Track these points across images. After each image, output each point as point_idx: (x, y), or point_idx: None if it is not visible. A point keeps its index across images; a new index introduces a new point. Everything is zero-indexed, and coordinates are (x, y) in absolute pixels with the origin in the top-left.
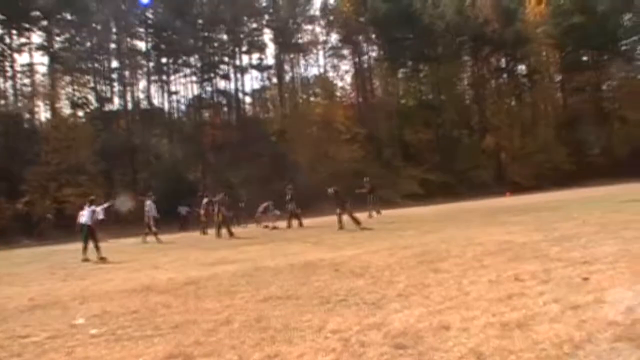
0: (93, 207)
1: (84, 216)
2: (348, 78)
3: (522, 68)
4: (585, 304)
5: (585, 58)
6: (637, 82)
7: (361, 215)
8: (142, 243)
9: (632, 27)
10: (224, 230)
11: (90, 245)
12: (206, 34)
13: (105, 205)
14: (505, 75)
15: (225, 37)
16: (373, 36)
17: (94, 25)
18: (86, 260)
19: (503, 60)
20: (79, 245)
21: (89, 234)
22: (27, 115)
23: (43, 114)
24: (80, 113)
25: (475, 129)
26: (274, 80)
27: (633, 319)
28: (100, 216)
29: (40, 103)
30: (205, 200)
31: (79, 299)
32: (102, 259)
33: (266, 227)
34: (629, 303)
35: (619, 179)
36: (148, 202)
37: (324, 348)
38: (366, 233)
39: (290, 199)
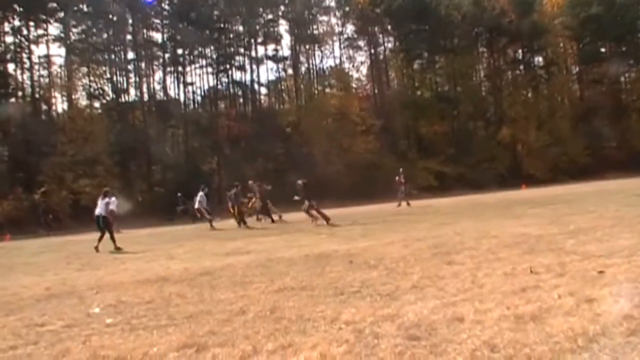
0: (107, 199)
1: (98, 207)
2: (364, 69)
3: (538, 60)
4: (601, 298)
5: (603, 50)
6: None
7: (391, 205)
8: (210, 229)
9: None
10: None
11: (106, 235)
12: (222, 25)
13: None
14: (521, 67)
15: (240, 28)
16: (389, 27)
17: (110, 16)
18: (96, 249)
19: (520, 51)
20: (94, 236)
21: (104, 224)
22: (44, 107)
23: (60, 105)
24: (97, 104)
25: (491, 121)
26: (290, 71)
27: None
28: (112, 206)
29: (57, 94)
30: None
31: (94, 289)
32: (118, 249)
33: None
34: None
35: (635, 171)
36: (200, 194)
37: (337, 339)
38: (379, 225)
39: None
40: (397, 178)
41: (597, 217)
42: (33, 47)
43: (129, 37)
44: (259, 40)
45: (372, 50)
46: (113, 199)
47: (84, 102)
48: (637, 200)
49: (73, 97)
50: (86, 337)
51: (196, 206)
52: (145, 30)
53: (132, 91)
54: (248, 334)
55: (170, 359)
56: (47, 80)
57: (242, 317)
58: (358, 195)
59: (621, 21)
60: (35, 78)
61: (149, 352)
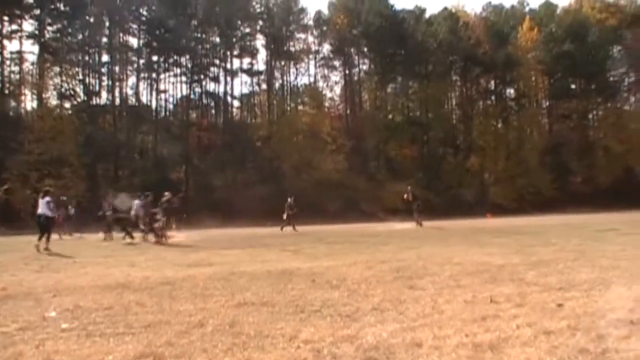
0: (47, 198)
1: (40, 207)
2: (337, 89)
3: (510, 91)
4: (558, 330)
5: (573, 86)
6: (622, 114)
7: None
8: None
9: (620, 59)
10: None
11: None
12: (199, 35)
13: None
14: (493, 97)
15: (217, 39)
16: (365, 49)
17: (87, 17)
18: (46, 249)
19: (492, 82)
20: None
21: (46, 223)
22: (12, 103)
23: (29, 103)
24: (67, 105)
25: (460, 148)
26: (264, 86)
27: (604, 348)
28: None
29: (27, 92)
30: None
31: (52, 292)
32: (47, 250)
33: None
34: (600, 331)
35: (600, 207)
36: (136, 202)
37: (295, 357)
38: (344, 245)
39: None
40: (405, 196)
41: (559, 250)
42: (6, 42)
43: (104, 39)
44: (235, 52)
45: (347, 71)
46: (48, 198)
47: (54, 101)
48: (599, 236)
49: (43, 95)
50: (40, 341)
51: (132, 213)
52: (121, 34)
53: (104, 94)
54: (206, 347)
55: None
56: (17, 76)
57: (201, 330)
58: (324, 214)
59: (592, 59)
60: (6, 74)
61: (103, 359)
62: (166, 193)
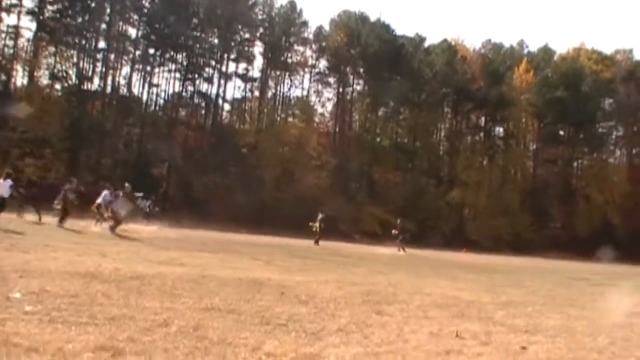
0: (9, 181)
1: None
2: (329, 106)
3: (499, 130)
4: None
5: (562, 132)
6: (606, 166)
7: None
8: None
9: (610, 113)
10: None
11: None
12: (198, 34)
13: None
14: (482, 134)
15: (216, 41)
16: (361, 70)
17: (88, 1)
18: None
19: (482, 118)
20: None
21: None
22: (3, 77)
23: (20, 79)
24: (58, 86)
25: (443, 180)
26: (256, 93)
27: None
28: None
29: (19, 68)
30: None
31: (19, 272)
32: None
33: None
34: None
35: (576, 255)
36: (105, 192)
37: None
38: (317, 262)
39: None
40: (393, 231)
41: (530, 293)
42: (4, 15)
43: (103, 25)
44: (232, 56)
45: (341, 89)
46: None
47: (45, 81)
48: (571, 283)
49: (35, 74)
50: (0, 321)
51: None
52: (121, 23)
53: (96, 81)
54: (167, 348)
55: (84, 359)
56: (11, 51)
57: (165, 329)
58: (300, 228)
59: (583, 109)
60: (0, 46)
61: (63, 347)
62: (126, 184)
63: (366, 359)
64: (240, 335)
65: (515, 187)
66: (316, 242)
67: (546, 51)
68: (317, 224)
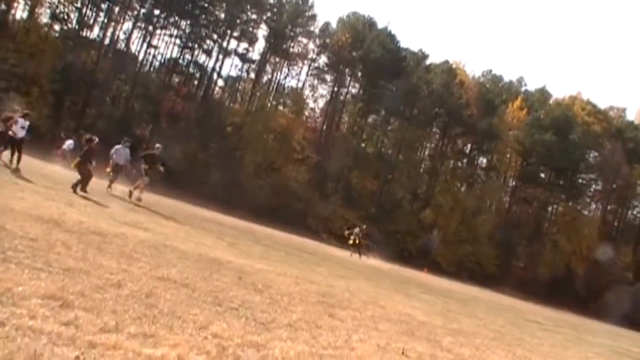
0: (24, 121)
1: None
2: (321, 103)
3: (483, 160)
4: None
5: (542, 175)
6: (579, 216)
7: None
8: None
9: (593, 166)
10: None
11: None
12: (206, 4)
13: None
14: (465, 160)
15: (222, 15)
16: (359, 74)
17: None
18: None
19: (469, 146)
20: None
21: None
22: (3, 7)
23: (20, 12)
24: (57, 27)
25: (419, 198)
26: (252, 75)
27: None
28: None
29: (21, 0)
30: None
31: None
32: None
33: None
34: None
35: (533, 297)
36: (118, 147)
37: (199, 347)
38: (280, 253)
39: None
40: (352, 238)
41: (481, 325)
42: None
43: None
44: (235, 34)
45: (335, 88)
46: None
47: (45, 19)
48: (522, 324)
49: (36, 10)
50: None
51: (122, 162)
52: None
53: (96, 30)
54: (116, 309)
55: (31, 304)
56: None
57: (117, 291)
58: (271, 217)
59: (568, 156)
60: None
61: (13, 289)
62: (158, 145)
63: (310, 358)
64: (191, 311)
65: (488, 218)
66: (360, 254)
67: (543, 93)
68: (355, 237)
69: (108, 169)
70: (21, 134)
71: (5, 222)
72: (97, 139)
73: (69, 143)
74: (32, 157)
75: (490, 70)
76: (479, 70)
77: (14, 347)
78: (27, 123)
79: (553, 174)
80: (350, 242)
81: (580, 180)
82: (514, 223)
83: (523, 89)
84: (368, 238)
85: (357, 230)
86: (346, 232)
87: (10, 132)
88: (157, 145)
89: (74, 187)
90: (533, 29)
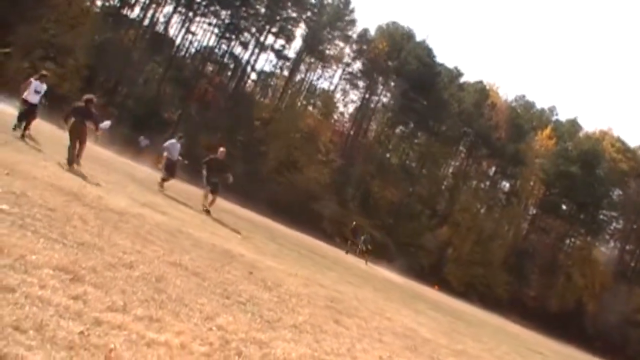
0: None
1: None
2: (350, 108)
3: (505, 184)
4: None
5: (564, 207)
6: (595, 253)
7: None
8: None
9: (616, 204)
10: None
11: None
12: None
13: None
14: (487, 182)
15: (263, 10)
16: (392, 84)
17: None
18: None
19: (493, 168)
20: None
21: None
22: None
23: None
24: (99, 2)
25: (437, 214)
26: (285, 72)
27: None
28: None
29: None
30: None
31: (7, 169)
32: None
33: None
34: None
35: (540, 327)
36: (171, 141)
37: (203, 337)
38: (293, 253)
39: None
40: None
41: (486, 349)
42: None
43: None
44: (273, 29)
45: (367, 95)
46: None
47: None
48: (526, 353)
49: None
50: None
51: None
52: None
53: (136, 10)
54: (125, 289)
55: (43, 274)
56: None
57: (128, 271)
58: (287, 215)
59: (592, 191)
60: None
61: (26, 256)
62: (221, 149)
63: None
64: (198, 300)
65: (504, 243)
66: (366, 261)
67: (573, 124)
68: (362, 246)
69: (160, 165)
70: (34, 99)
71: (26, 189)
72: (95, 99)
73: (106, 123)
74: (57, 126)
75: (524, 96)
76: (512, 94)
77: (21, 314)
78: (43, 86)
79: (575, 206)
80: (356, 246)
81: (601, 217)
82: (529, 251)
83: (554, 118)
84: (358, 235)
85: (364, 237)
86: (351, 230)
87: (23, 97)
88: (221, 149)
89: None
90: (570, 60)
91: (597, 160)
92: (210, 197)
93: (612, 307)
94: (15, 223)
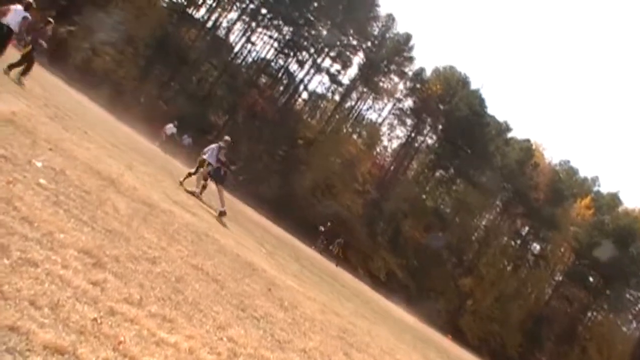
0: (22, 11)
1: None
2: (394, 143)
3: (536, 246)
4: None
5: (591, 279)
6: (616, 331)
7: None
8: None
9: None
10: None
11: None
12: (312, 18)
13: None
14: (518, 241)
15: (324, 32)
16: (439, 127)
17: None
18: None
19: (526, 228)
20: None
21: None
22: None
23: None
24: None
25: (463, 264)
26: (336, 97)
27: None
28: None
29: None
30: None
31: (51, 145)
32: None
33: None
34: None
35: None
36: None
37: (212, 345)
38: (314, 277)
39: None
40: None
41: None
42: None
43: None
44: (331, 53)
45: (413, 134)
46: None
47: None
48: None
49: None
50: (13, 180)
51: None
52: None
53: (202, 11)
54: (144, 284)
55: (67, 254)
56: None
57: (150, 266)
58: (315, 238)
59: (620, 268)
60: None
61: (54, 233)
62: (226, 137)
63: None
64: (214, 308)
65: (525, 305)
66: (337, 264)
67: (614, 198)
68: (337, 248)
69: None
70: (13, 24)
71: (66, 168)
72: (53, 22)
73: (169, 127)
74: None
75: (568, 161)
76: (557, 157)
77: (40, 290)
78: (25, 14)
79: (602, 280)
80: (328, 247)
81: (627, 296)
82: (549, 318)
83: (595, 188)
84: (329, 236)
85: (338, 240)
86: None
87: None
88: (226, 137)
89: (10, 67)
90: (618, 133)
91: (632, 238)
92: (209, 185)
93: None
94: (50, 199)
